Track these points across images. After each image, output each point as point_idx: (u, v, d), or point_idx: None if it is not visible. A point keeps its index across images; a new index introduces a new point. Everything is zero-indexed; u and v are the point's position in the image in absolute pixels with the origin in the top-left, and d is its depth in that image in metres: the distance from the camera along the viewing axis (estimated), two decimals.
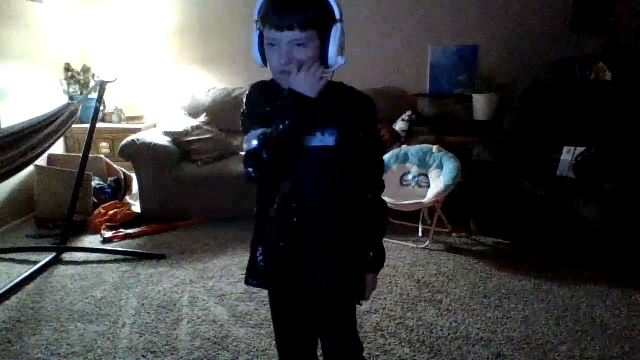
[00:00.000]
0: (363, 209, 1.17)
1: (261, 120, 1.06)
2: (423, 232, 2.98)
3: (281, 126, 0.99)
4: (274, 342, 1.85)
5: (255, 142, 1.04)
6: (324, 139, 1.09)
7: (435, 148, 3.00)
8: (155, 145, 3.19)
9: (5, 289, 2.29)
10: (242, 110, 1.13)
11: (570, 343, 1.89)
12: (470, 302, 2.21)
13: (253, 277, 1.20)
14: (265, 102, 1.09)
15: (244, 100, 1.14)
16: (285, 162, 1.04)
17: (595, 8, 3.69)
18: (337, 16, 1.04)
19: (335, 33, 1.03)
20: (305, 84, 1.00)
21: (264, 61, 1.08)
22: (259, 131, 1.04)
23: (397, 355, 1.81)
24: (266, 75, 1.13)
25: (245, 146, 1.08)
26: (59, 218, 3.04)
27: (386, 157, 3.10)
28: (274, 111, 1.05)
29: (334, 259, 1.13)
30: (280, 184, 1.12)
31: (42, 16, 3.56)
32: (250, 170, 1.05)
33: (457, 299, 2.23)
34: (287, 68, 1.01)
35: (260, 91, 1.14)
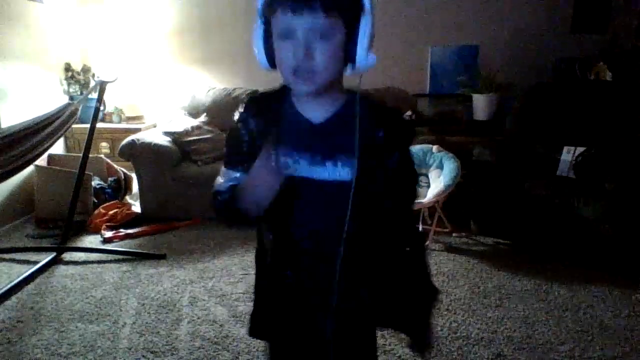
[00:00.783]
0: (395, 266, 0.97)
1: (247, 156, 0.88)
2: (423, 231, 2.98)
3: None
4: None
5: (225, 187, 0.91)
6: (335, 171, 0.87)
7: (435, 148, 3.00)
8: (155, 145, 3.19)
9: (5, 289, 2.29)
10: (232, 130, 0.93)
11: (570, 343, 1.89)
12: (470, 302, 2.21)
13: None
14: (260, 131, 0.89)
15: (237, 118, 0.93)
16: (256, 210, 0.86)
17: (595, 8, 3.69)
18: (368, 5, 0.84)
19: (367, 24, 0.83)
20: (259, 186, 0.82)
21: (271, 62, 0.86)
22: (234, 176, 0.91)
23: (397, 355, 1.81)
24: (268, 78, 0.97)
25: (218, 180, 0.95)
26: (59, 218, 3.04)
27: None
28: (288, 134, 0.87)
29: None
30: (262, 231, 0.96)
31: (42, 16, 3.56)
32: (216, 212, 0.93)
33: (457, 299, 2.23)
34: (305, 65, 0.80)
35: (258, 112, 0.92)
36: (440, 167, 2.93)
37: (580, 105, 3.19)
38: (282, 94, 0.91)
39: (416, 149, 3.07)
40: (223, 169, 0.95)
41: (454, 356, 1.81)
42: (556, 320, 2.06)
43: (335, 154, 0.86)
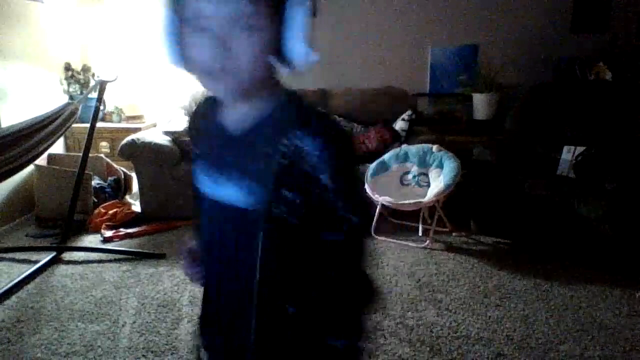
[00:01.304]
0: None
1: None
2: (423, 231, 2.98)
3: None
4: None
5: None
6: (237, 196, 0.71)
7: (435, 147, 3.00)
8: (155, 144, 3.19)
9: (5, 288, 2.28)
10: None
11: (570, 343, 1.89)
12: (470, 301, 2.21)
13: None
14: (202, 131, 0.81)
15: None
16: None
17: (595, 8, 3.69)
18: None
19: (302, 12, 0.67)
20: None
21: (182, 58, 0.70)
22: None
23: (397, 354, 1.81)
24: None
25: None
26: (59, 217, 3.04)
27: (386, 156, 3.10)
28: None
29: None
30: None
31: (42, 16, 3.56)
32: None
33: (457, 299, 2.23)
34: (223, 65, 0.65)
35: (203, 114, 0.82)
36: (440, 166, 2.93)
37: (580, 105, 3.19)
38: (214, 101, 0.78)
39: (416, 148, 3.08)
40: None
41: (454, 356, 1.81)
42: (556, 320, 2.06)
43: (243, 174, 0.71)
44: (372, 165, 3.05)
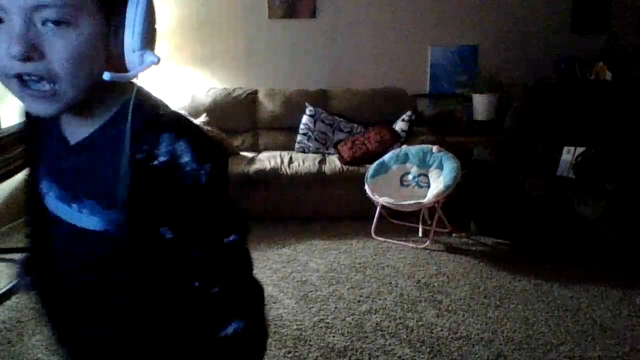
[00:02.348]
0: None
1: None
2: (423, 232, 2.98)
3: None
4: (274, 342, 1.86)
5: None
6: (81, 218, 0.60)
7: (435, 148, 3.00)
8: None
9: (5, 289, 2.28)
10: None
11: (570, 343, 1.89)
12: (470, 302, 2.21)
13: None
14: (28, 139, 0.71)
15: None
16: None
17: (595, 8, 3.69)
18: None
19: (139, 7, 0.54)
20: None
21: None
22: None
23: (397, 355, 1.81)
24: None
25: None
26: None
27: (386, 157, 3.10)
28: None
29: None
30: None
31: None
32: None
33: (457, 299, 2.23)
34: (25, 69, 0.52)
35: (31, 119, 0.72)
36: (440, 167, 2.93)
37: (580, 105, 3.19)
38: None
39: (416, 149, 3.08)
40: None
41: (454, 357, 1.81)
42: (556, 320, 2.06)
43: (84, 192, 0.59)
44: (372, 166, 3.05)
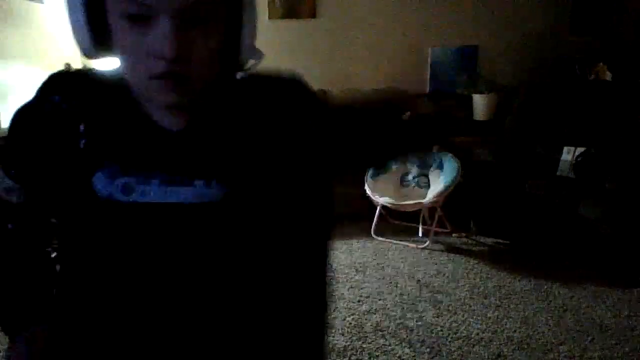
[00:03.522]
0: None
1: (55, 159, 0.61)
2: (423, 232, 2.98)
3: None
4: None
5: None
6: (208, 191, 0.60)
7: (435, 148, 3.00)
8: None
9: None
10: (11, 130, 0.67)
11: (570, 343, 1.89)
12: (470, 302, 2.21)
13: None
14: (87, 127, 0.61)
15: (34, 106, 0.67)
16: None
17: (595, 8, 3.69)
18: None
19: (252, 5, 0.61)
20: None
21: (105, 46, 0.57)
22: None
23: (397, 355, 1.81)
24: None
25: None
26: None
27: None
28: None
29: None
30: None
31: (42, 16, 3.55)
32: None
33: (457, 299, 2.23)
34: (170, 69, 0.53)
35: (68, 91, 0.64)
36: (440, 167, 2.93)
37: (580, 105, 3.18)
38: (117, 82, 0.61)
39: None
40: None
41: (454, 357, 1.81)
42: (556, 320, 2.06)
43: (208, 168, 0.60)
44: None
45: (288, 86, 0.65)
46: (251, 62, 0.62)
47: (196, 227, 0.60)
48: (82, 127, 0.61)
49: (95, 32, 0.56)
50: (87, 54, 0.59)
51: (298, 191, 0.62)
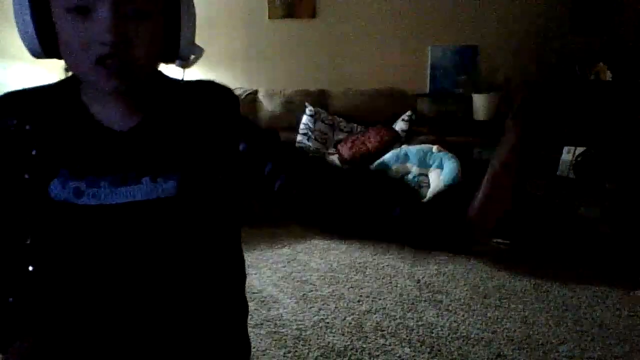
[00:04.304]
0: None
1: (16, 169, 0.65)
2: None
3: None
4: (274, 342, 1.86)
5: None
6: (156, 188, 0.65)
7: (435, 148, 3.00)
8: None
9: None
10: None
11: (570, 343, 1.89)
12: (470, 302, 2.21)
13: None
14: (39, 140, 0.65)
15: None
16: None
17: (595, 8, 3.69)
18: None
19: (189, 1, 0.66)
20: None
21: (49, 45, 0.61)
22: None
23: (397, 355, 1.81)
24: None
25: None
26: None
27: (386, 157, 3.10)
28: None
29: None
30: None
31: None
32: None
33: (457, 299, 2.23)
34: (120, 53, 0.59)
35: (27, 114, 0.67)
36: (440, 167, 2.93)
37: (580, 105, 3.19)
38: (64, 91, 0.68)
39: (416, 149, 3.08)
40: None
41: (454, 356, 1.81)
42: (556, 320, 2.06)
43: (153, 166, 0.65)
44: (372, 166, 3.05)
45: (216, 89, 0.75)
46: (192, 57, 0.69)
47: (147, 223, 0.66)
48: (33, 138, 0.65)
49: (41, 32, 0.60)
50: (36, 55, 0.63)
51: (224, 181, 0.71)
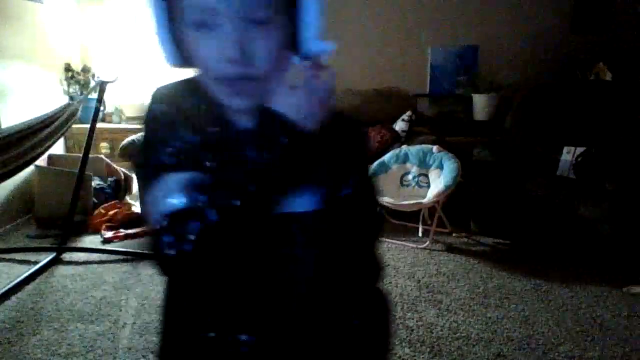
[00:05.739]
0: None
1: (178, 157, 0.62)
2: (423, 232, 2.98)
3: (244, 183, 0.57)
4: None
5: (177, 200, 0.56)
6: (300, 201, 0.65)
7: (435, 148, 3.00)
8: None
9: (5, 289, 2.28)
10: (140, 137, 0.68)
11: (570, 343, 1.89)
12: (470, 302, 2.21)
13: None
14: (186, 122, 0.64)
15: (147, 117, 0.68)
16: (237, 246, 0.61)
17: (595, 8, 3.69)
18: None
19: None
20: (304, 105, 0.56)
21: (183, 57, 0.62)
22: (182, 177, 0.59)
23: (397, 355, 1.81)
24: None
25: (151, 208, 0.60)
26: (59, 218, 3.04)
27: (386, 157, 3.10)
28: (213, 147, 0.62)
29: None
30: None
31: (42, 16, 3.55)
32: (166, 258, 0.58)
33: (457, 299, 2.23)
34: (242, 70, 0.57)
35: (177, 101, 0.67)
36: (440, 167, 2.93)
37: (580, 105, 3.18)
38: (196, 87, 0.65)
39: (416, 149, 3.08)
40: (155, 188, 0.61)
41: (454, 357, 1.81)
42: (556, 320, 2.06)
43: (294, 179, 0.62)
44: (372, 166, 3.05)
45: (348, 120, 0.72)
46: (321, 52, 0.62)
47: (285, 235, 0.66)
48: (180, 129, 0.64)
49: (176, 46, 0.61)
50: (174, 65, 0.64)
51: (355, 199, 0.71)
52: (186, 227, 0.56)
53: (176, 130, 0.63)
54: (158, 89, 0.69)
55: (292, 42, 0.61)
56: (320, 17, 0.61)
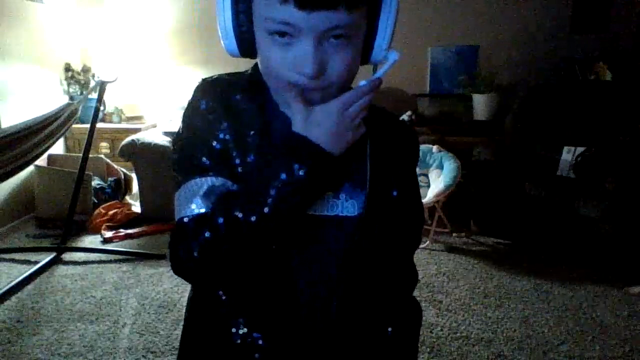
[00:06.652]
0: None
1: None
2: (423, 232, 2.97)
3: (275, 182, 0.56)
4: None
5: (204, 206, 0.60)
6: (338, 205, 0.65)
7: (435, 148, 3.00)
8: (155, 145, 3.19)
9: (5, 289, 2.28)
10: (182, 129, 0.66)
11: (570, 343, 1.89)
12: (470, 302, 2.21)
13: None
14: (235, 117, 0.64)
15: (190, 108, 0.66)
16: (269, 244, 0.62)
17: (595, 8, 3.69)
18: None
19: (391, 11, 0.61)
20: (330, 132, 0.56)
21: (248, 50, 0.62)
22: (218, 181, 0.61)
23: None
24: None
25: (185, 203, 0.64)
26: (59, 218, 3.04)
27: None
28: (265, 145, 0.62)
29: None
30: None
31: (42, 16, 3.55)
32: (200, 250, 0.63)
33: (457, 299, 2.23)
34: (310, 84, 0.57)
35: (225, 96, 0.65)
36: (440, 167, 2.93)
37: (580, 105, 3.18)
38: (259, 84, 0.65)
39: None
40: (185, 186, 0.65)
41: (454, 356, 1.81)
42: (556, 320, 2.06)
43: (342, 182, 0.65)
44: None
45: (402, 124, 0.79)
46: (388, 61, 0.63)
47: (327, 237, 0.66)
48: (224, 125, 0.63)
49: (240, 39, 0.61)
50: (231, 54, 0.64)
51: (401, 205, 0.71)
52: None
53: (222, 124, 0.63)
54: (205, 81, 0.68)
55: (365, 53, 0.62)
56: (394, 26, 0.62)
